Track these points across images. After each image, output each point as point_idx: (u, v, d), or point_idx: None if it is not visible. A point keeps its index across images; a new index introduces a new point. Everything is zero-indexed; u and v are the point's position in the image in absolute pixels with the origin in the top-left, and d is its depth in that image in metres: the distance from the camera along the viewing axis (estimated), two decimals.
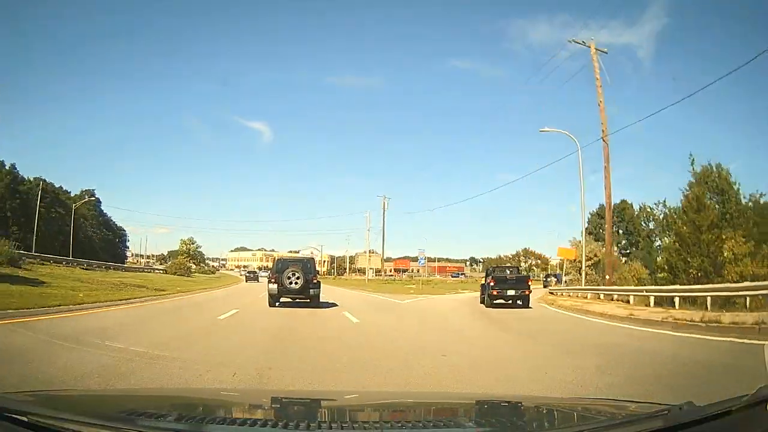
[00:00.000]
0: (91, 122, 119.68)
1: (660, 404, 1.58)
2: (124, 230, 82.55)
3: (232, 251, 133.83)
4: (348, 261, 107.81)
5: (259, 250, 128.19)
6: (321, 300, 16.03)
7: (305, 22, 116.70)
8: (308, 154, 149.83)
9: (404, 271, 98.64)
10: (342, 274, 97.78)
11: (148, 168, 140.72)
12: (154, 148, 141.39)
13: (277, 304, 15.36)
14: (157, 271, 60.27)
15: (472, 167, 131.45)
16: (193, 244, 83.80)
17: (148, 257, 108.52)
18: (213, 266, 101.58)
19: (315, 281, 15.55)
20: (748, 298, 11.87)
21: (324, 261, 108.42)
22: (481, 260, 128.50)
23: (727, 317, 10.06)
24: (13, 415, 1.33)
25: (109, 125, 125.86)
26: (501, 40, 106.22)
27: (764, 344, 3.51)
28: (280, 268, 15.52)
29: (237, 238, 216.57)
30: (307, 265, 15.81)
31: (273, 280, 15.30)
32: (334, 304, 17.11)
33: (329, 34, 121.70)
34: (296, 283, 14.87)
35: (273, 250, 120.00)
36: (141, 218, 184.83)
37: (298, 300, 15.51)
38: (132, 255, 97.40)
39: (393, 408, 2.11)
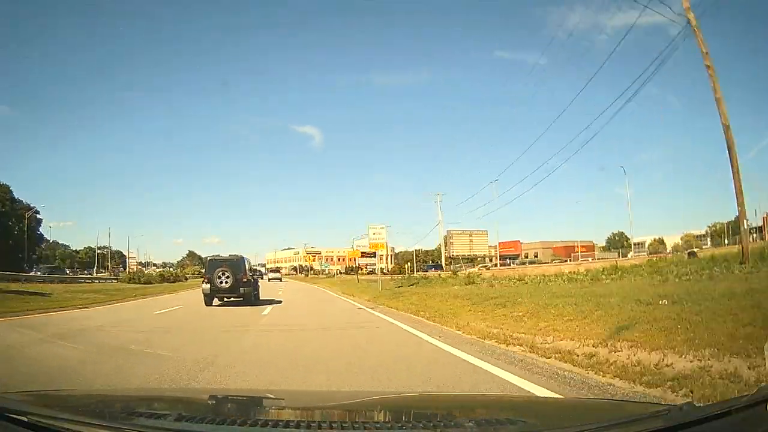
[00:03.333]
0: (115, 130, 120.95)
1: (660, 404, 1.57)
2: (38, 216, 50.72)
3: (279, 251, 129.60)
4: (443, 247, 63.12)
5: (311, 248, 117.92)
6: None
7: (346, 23, 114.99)
8: (358, 153, 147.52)
9: (514, 257, 66.67)
10: (427, 271, 50.71)
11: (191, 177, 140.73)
12: (200, 161, 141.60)
13: (214, 302, 15.81)
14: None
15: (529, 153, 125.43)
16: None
17: (154, 265, 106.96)
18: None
19: (245, 280, 16.05)
20: None
21: (388, 255, 72.55)
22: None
23: None
24: (13, 415, 1.35)
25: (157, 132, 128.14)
26: (542, 27, 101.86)
27: (765, 344, 3.43)
28: (211, 268, 16.00)
29: (289, 239, 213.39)
30: (237, 265, 16.26)
31: (206, 281, 15.89)
32: None
33: (372, 35, 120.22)
34: (226, 282, 15.46)
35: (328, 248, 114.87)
36: (194, 229, 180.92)
37: (232, 299, 15.93)
38: (136, 264, 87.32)
39: (392, 408, 2.10)
